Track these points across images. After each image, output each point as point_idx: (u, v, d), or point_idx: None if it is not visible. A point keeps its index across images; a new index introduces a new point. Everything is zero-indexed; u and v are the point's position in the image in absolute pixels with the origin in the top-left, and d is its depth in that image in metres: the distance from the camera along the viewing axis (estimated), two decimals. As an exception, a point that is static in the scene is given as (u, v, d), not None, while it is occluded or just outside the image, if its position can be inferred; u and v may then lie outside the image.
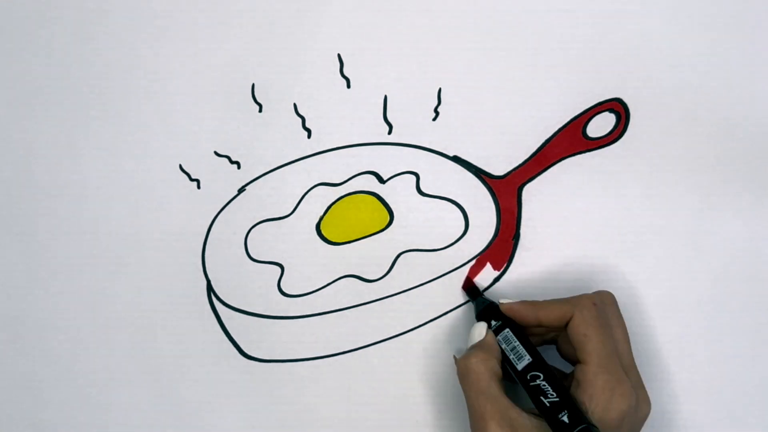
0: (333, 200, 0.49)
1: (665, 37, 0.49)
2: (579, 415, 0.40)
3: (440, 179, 0.49)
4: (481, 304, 0.47)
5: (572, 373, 0.44)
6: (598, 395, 0.41)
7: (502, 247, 0.49)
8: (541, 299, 0.45)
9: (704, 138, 0.49)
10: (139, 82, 0.50)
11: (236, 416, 0.49)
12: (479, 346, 0.44)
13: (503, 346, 0.44)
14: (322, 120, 0.49)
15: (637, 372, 0.44)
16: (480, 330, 0.45)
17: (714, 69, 0.49)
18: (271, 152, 0.49)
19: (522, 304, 0.45)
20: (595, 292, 0.45)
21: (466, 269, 0.49)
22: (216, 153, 0.50)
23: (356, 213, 0.49)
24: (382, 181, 0.49)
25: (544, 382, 0.42)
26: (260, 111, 0.49)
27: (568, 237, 0.49)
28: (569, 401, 0.41)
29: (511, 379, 0.44)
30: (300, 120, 0.49)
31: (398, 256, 0.49)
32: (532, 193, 0.49)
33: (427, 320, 0.49)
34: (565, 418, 0.40)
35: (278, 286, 0.49)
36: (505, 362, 0.44)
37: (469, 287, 0.49)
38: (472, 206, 0.49)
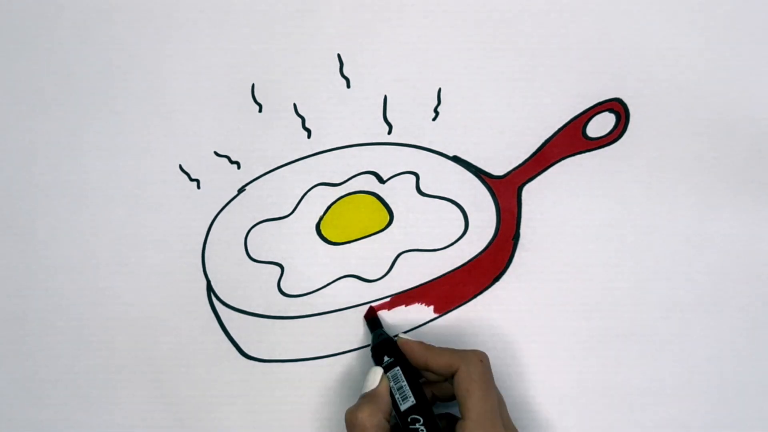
0: (333, 200, 0.49)
1: (665, 37, 0.49)
2: None
3: (440, 179, 0.49)
4: (378, 336, 0.47)
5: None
6: None
7: (502, 247, 0.49)
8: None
9: (704, 138, 0.49)
10: (139, 82, 0.50)
11: (236, 416, 0.49)
12: (370, 397, 0.44)
13: (391, 383, 0.44)
14: (322, 120, 0.49)
15: (516, 430, 0.44)
16: (374, 377, 0.45)
17: (714, 69, 0.49)
18: (271, 152, 0.49)
19: (417, 345, 0.45)
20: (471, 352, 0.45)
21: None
22: (216, 153, 0.50)
23: (356, 213, 0.49)
24: (382, 181, 0.49)
25: (422, 427, 0.42)
26: (260, 111, 0.49)
27: (568, 237, 0.49)
28: None
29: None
30: (300, 120, 0.49)
31: (398, 256, 0.49)
32: (532, 193, 0.49)
33: (426, 320, 0.49)
34: None
35: (278, 286, 0.49)
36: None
37: (371, 318, 0.49)
38: (472, 206, 0.49)
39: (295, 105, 0.49)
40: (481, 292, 0.49)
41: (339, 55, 0.49)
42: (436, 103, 0.49)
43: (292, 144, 0.49)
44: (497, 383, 0.45)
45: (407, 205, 0.49)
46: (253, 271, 0.49)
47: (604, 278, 0.49)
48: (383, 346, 0.46)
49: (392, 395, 0.44)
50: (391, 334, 0.48)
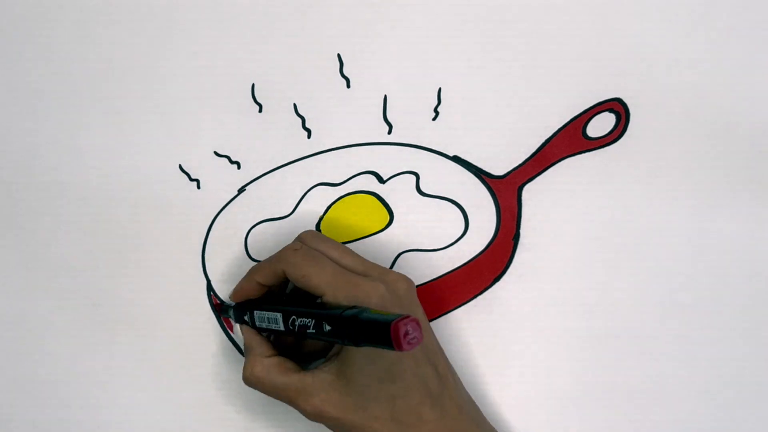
0: (333, 200, 0.49)
1: (665, 37, 0.49)
2: (331, 315, 0.39)
3: (440, 179, 0.49)
4: (228, 310, 0.48)
5: None
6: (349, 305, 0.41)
7: (502, 247, 0.49)
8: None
9: (704, 138, 0.49)
10: (139, 82, 0.49)
11: (236, 416, 0.49)
12: (246, 352, 0.45)
13: (263, 326, 0.44)
14: (322, 120, 0.49)
15: (376, 266, 0.44)
16: (238, 334, 0.46)
17: (714, 69, 0.49)
18: (271, 152, 0.49)
19: (241, 281, 0.46)
20: (293, 241, 0.45)
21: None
22: (216, 153, 0.50)
23: (356, 213, 0.49)
24: (382, 181, 0.49)
25: (301, 319, 0.41)
26: (260, 111, 0.49)
27: (568, 237, 0.49)
28: (323, 313, 0.40)
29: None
30: (300, 120, 0.49)
31: (398, 256, 0.49)
32: (532, 193, 0.49)
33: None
34: (331, 326, 0.39)
35: (278, 286, 0.49)
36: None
37: (217, 305, 0.49)
38: (472, 206, 0.49)
39: (295, 105, 0.49)
40: (481, 292, 0.49)
41: (339, 55, 0.49)
42: (436, 103, 0.49)
43: (292, 144, 0.49)
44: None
45: (407, 205, 0.49)
46: (253, 271, 0.49)
47: (604, 278, 0.49)
48: (235, 312, 0.47)
49: (268, 329, 0.44)
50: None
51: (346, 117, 0.49)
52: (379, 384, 0.41)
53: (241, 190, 0.50)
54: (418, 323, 0.35)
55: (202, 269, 0.49)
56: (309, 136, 0.49)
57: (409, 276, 0.45)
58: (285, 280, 0.44)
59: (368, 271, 0.44)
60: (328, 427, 0.43)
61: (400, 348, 0.34)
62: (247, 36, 0.49)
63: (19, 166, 0.50)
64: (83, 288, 0.50)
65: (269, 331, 0.45)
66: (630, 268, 0.49)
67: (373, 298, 0.41)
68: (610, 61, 0.49)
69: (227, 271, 0.49)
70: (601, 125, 0.49)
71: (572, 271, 0.49)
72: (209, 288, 0.49)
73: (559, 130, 0.49)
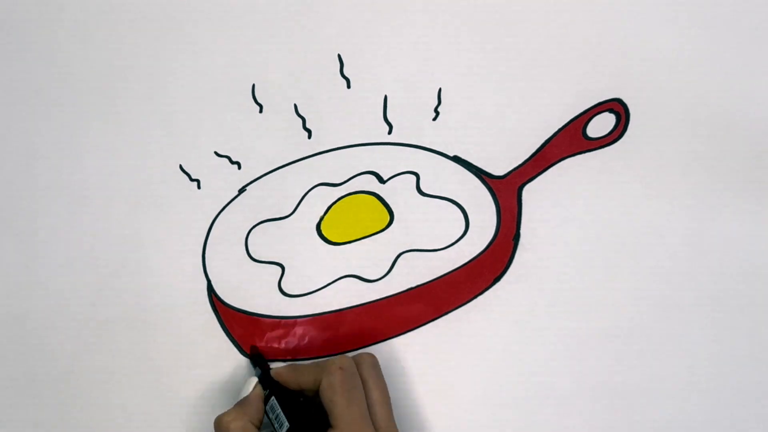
0: (333, 200, 0.49)
1: (665, 37, 0.49)
2: None
3: (440, 179, 0.49)
4: (256, 363, 0.48)
5: None
6: None
7: (502, 247, 0.49)
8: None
9: (704, 138, 0.49)
10: (139, 82, 0.49)
11: (236, 416, 0.49)
12: (241, 403, 0.45)
13: (270, 415, 0.45)
14: (323, 120, 0.49)
15: None
16: (248, 386, 0.46)
17: (714, 69, 0.49)
18: (271, 152, 0.49)
19: (286, 369, 0.46)
20: (354, 355, 0.46)
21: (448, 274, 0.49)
22: (216, 153, 0.50)
23: (356, 213, 0.49)
24: (382, 181, 0.49)
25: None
26: (260, 111, 0.49)
27: (568, 237, 0.49)
28: None
29: None
30: (300, 120, 0.49)
31: (398, 256, 0.49)
32: (532, 193, 0.49)
33: (427, 320, 0.49)
34: None
35: (278, 286, 0.49)
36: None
37: (254, 354, 0.49)
38: (472, 206, 0.49)
39: (295, 105, 0.49)
40: (481, 292, 0.49)
41: (339, 55, 0.49)
42: (436, 103, 0.49)
43: (292, 144, 0.49)
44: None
45: (407, 205, 0.49)
46: (254, 271, 0.49)
47: (604, 278, 0.49)
48: (262, 380, 0.47)
49: (272, 424, 0.45)
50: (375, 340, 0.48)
51: (346, 117, 0.49)
52: None
53: (242, 190, 0.50)
54: None
55: (202, 269, 0.49)
56: (309, 137, 0.49)
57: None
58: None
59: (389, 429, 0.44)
60: None
61: None
62: (247, 36, 0.49)
63: (19, 166, 0.50)
64: (83, 288, 0.50)
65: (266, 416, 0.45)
66: (630, 268, 0.49)
67: None
68: (610, 61, 0.49)
69: (227, 271, 0.49)
70: (601, 125, 0.49)
71: (572, 271, 0.49)
72: (209, 288, 0.49)
73: (559, 130, 0.49)
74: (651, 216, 0.49)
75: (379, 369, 0.46)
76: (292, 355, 0.49)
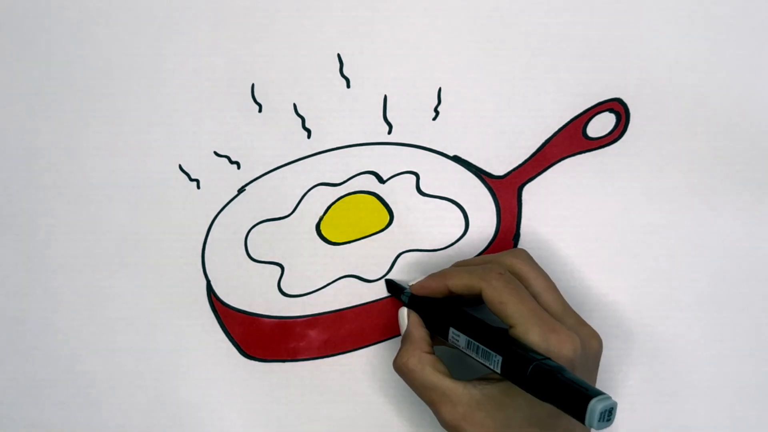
0: (333, 200, 0.49)
1: (665, 37, 0.49)
2: (526, 358, 0.39)
3: (440, 179, 0.49)
4: (402, 293, 0.47)
5: None
6: (536, 350, 0.40)
7: (502, 247, 0.49)
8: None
9: (704, 138, 0.49)
10: (139, 82, 0.49)
11: (236, 416, 0.49)
12: (405, 339, 0.45)
13: (443, 337, 0.44)
14: (322, 120, 0.49)
15: (574, 314, 0.44)
16: (403, 319, 0.46)
17: (714, 69, 0.49)
18: (271, 152, 0.49)
19: (430, 278, 0.46)
20: (504, 254, 0.45)
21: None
22: (216, 153, 0.50)
23: (356, 213, 0.49)
24: (382, 181, 0.49)
25: (489, 351, 0.41)
26: (260, 111, 0.49)
27: (568, 237, 0.49)
28: (512, 352, 0.40)
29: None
30: (300, 120, 0.49)
31: (398, 256, 0.49)
32: (532, 193, 0.49)
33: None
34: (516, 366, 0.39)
35: (278, 286, 0.49)
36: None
37: (388, 283, 0.49)
38: (472, 206, 0.49)
39: (295, 105, 0.49)
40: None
41: (339, 55, 0.49)
42: (436, 103, 0.49)
43: (292, 144, 0.49)
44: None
45: (407, 205, 0.49)
46: (253, 271, 0.49)
47: (604, 278, 0.49)
48: (409, 300, 0.46)
49: (458, 347, 0.43)
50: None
51: (346, 117, 0.49)
52: (530, 426, 0.41)
53: (241, 190, 0.50)
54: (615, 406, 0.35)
55: (202, 269, 0.49)
56: (309, 136, 0.49)
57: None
58: (475, 296, 0.44)
59: (565, 315, 0.43)
60: None
61: (590, 425, 0.34)
62: (247, 36, 0.49)
63: (19, 166, 0.50)
64: (83, 288, 0.50)
65: (443, 341, 0.45)
66: (630, 268, 0.49)
67: (565, 349, 0.40)
68: (610, 61, 0.49)
69: (227, 271, 0.49)
70: (601, 125, 0.49)
71: (572, 270, 0.49)
72: (209, 288, 0.49)
73: (559, 130, 0.49)
74: (651, 216, 0.49)
75: (533, 260, 0.45)
76: (291, 355, 0.49)
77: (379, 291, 0.49)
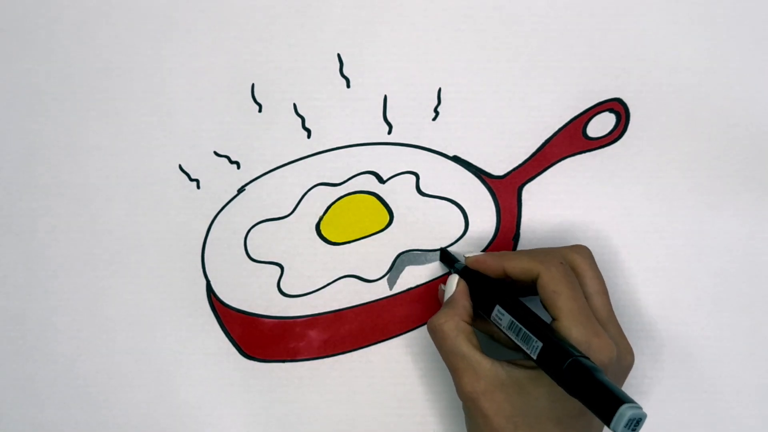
0: (333, 200, 0.49)
1: (665, 37, 0.49)
2: (565, 351, 0.39)
3: (440, 179, 0.49)
4: (454, 264, 0.47)
5: None
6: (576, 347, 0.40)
7: (502, 247, 0.49)
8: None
9: (704, 138, 0.49)
10: (139, 82, 0.50)
11: (236, 416, 0.49)
12: (448, 303, 0.45)
13: (487, 314, 0.44)
14: (322, 120, 0.49)
15: (617, 324, 0.44)
16: (450, 285, 0.46)
17: (714, 69, 0.49)
18: (270, 152, 0.49)
19: (488, 255, 0.45)
20: (566, 248, 0.45)
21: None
22: (216, 153, 0.50)
23: (356, 213, 0.49)
24: (382, 181, 0.49)
25: (530, 334, 0.41)
26: (260, 111, 0.49)
27: (568, 237, 0.49)
28: (553, 342, 0.40)
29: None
30: (300, 120, 0.49)
31: (398, 256, 0.49)
32: (532, 193, 0.49)
33: (426, 321, 0.49)
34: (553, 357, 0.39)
35: (278, 286, 0.49)
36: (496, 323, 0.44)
37: (442, 252, 0.49)
38: (472, 206, 0.49)
39: (295, 105, 0.49)
40: (481, 292, 0.49)
41: (339, 55, 0.49)
42: (436, 103, 0.49)
43: (292, 144, 0.49)
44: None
45: (407, 205, 0.49)
46: (253, 271, 0.49)
47: (604, 278, 0.49)
48: (462, 273, 0.46)
49: (500, 328, 0.43)
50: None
51: (346, 117, 0.49)
52: (547, 420, 0.41)
53: (241, 190, 0.50)
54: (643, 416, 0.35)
55: (201, 269, 0.49)
56: (309, 136, 0.49)
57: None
58: (530, 281, 0.44)
59: (609, 323, 0.43)
60: (468, 412, 0.42)
61: (614, 429, 0.34)
62: (247, 36, 0.49)
63: (19, 166, 0.50)
64: (83, 288, 0.50)
65: (482, 321, 0.45)
66: (630, 268, 0.49)
67: (603, 355, 0.40)
68: (610, 61, 0.49)
69: (227, 271, 0.49)
70: (601, 125, 0.49)
71: (572, 271, 0.49)
72: (209, 288, 0.49)
73: (559, 130, 0.49)
74: (651, 216, 0.49)
75: (594, 260, 0.45)
76: (291, 355, 0.49)
77: (379, 291, 0.49)
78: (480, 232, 0.49)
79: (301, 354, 0.49)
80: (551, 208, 0.49)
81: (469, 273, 0.46)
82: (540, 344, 0.40)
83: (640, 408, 0.35)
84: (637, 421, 0.34)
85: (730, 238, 0.49)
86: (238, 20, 0.49)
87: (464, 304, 0.44)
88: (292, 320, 0.49)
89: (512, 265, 0.44)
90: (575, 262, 0.44)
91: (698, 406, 0.49)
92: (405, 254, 0.49)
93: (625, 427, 0.34)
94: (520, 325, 0.41)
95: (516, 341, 0.41)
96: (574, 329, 0.40)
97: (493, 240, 0.49)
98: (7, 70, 0.50)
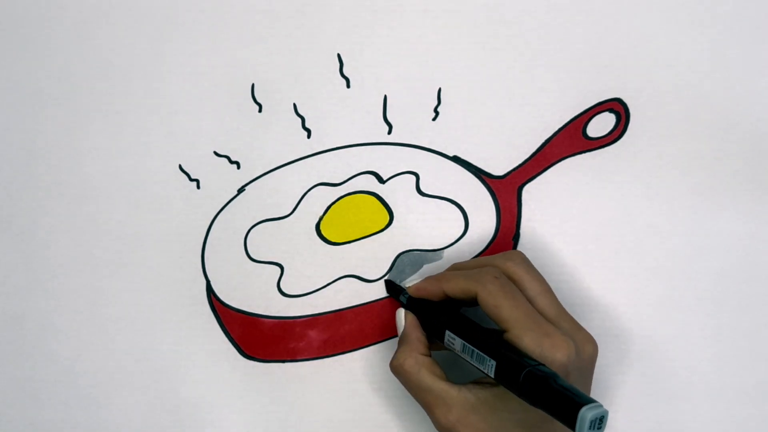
0: (333, 200, 0.49)
1: (665, 37, 0.49)
2: (519, 363, 0.39)
3: (440, 179, 0.49)
4: (400, 294, 0.48)
5: None
6: (530, 355, 0.40)
7: (502, 247, 0.49)
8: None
9: (704, 138, 0.49)
10: (139, 82, 0.50)
11: (236, 416, 0.49)
12: (402, 340, 0.45)
13: (452, 345, 0.44)
14: (322, 120, 0.49)
15: (569, 318, 0.44)
16: (399, 320, 0.46)
17: (714, 69, 0.49)
18: (270, 152, 0.49)
19: (426, 281, 0.46)
20: (498, 257, 0.45)
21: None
22: (216, 153, 0.50)
23: (356, 213, 0.49)
24: (381, 181, 0.49)
25: (483, 355, 0.41)
26: (260, 111, 0.49)
27: (568, 237, 0.49)
28: (505, 357, 0.40)
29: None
30: (300, 120, 0.49)
31: (398, 256, 0.49)
32: (532, 193, 0.49)
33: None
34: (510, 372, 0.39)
35: (278, 286, 0.49)
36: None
37: (387, 283, 0.49)
38: (472, 206, 0.49)
39: (295, 105, 0.49)
40: (481, 292, 0.49)
41: (339, 55, 0.49)
42: (436, 103, 0.49)
43: (291, 144, 0.49)
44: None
45: (407, 205, 0.49)
46: (253, 271, 0.49)
47: (604, 278, 0.49)
48: (407, 302, 0.47)
49: (452, 349, 0.44)
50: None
51: (346, 117, 0.49)
52: (523, 429, 0.41)
53: (241, 190, 0.50)
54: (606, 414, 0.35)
55: (201, 269, 0.49)
56: (309, 136, 0.49)
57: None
58: (471, 299, 0.44)
59: (560, 319, 0.43)
60: None
61: None
62: (247, 36, 0.49)
63: (19, 166, 0.50)
64: (83, 288, 0.50)
65: (439, 343, 0.45)
66: (630, 268, 0.49)
67: (558, 354, 0.40)
68: (610, 61, 0.49)
69: (227, 271, 0.49)
70: (601, 125, 0.49)
71: (572, 271, 0.49)
72: (209, 288, 0.49)
73: (559, 130, 0.49)
74: (651, 216, 0.49)
75: (529, 262, 0.45)
76: (291, 355, 0.49)
77: (379, 291, 0.49)
78: (480, 232, 0.49)
79: (301, 354, 0.49)
80: (551, 208, 0.49)
81: (414, 302, 0.46)
82: (494, 362, 0.40)
83: (599, 406, 0.35)
84: (600, 419, 0.35)
85: (730, 238, 0.49)
86: (238, 20, 0.49)
87: (417, 336, 0.45)
88: (292, 320, 0.49)
89: (450, 287, 0.44)
90: (510, 270, 0.44)
91: (698, 405, 0.49)
92: (405, 254, 0.49)
93: (589, 429, 0.34)
94: (472, 347, 0.42)
95: (471, 363, 0.42)
96: (524, 336, 0.41)
97: (493, 240, 0.49)
98: (7, 70, 0.50)
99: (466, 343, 0.42)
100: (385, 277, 0.49)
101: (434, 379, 0.43)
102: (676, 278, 0.49)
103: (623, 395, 0.49)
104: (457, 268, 0.47)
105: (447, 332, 0.44)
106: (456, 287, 0.44)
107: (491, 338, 0.41)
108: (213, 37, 0.49)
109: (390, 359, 0.45)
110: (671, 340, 0.49)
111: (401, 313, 0.47)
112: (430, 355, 0.45)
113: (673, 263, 0.49)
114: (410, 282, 0.47)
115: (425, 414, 0.47)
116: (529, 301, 0.43)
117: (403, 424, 0.49)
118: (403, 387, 0.45)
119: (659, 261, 0.49)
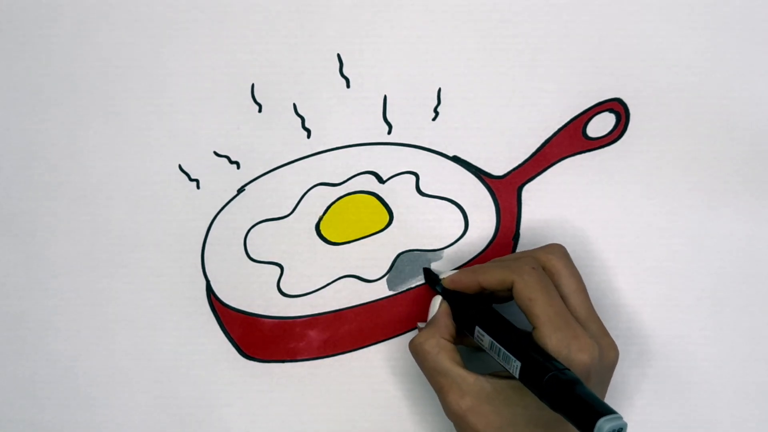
0: (332, 200, 0.49)
1: (665, 37, 0.49)
2: (544, 366, 0.39)
3: (440, 179, 0.49)
4: (436, 284, 0.47)
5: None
6: (555, 355, 0.40)
7: (502, 247, 0.49)
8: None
9: (704, 138, 0.49)
10: (139, 82, 0.50)
11: (236, 416, 0.49)
12: (429, 323, 0.45)
13: (470, 332, 0.44)
14: (322, 120, 0.49)
15: (598, 321, 0.44)
16: (434, 306, 0.46)
17: (714, 69, 0.49)
18: (270, 152, 0.49)
19: (461, 273, 0.45)
20: (539, 249, 0.45)
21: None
22: (216, 153, 0.50)
23: (356, 213, 0.49)
24: (381, 181, 0.49)
25: (509, 355, 0.41)
26: (260, 111, 0.49)
27: (568, 237, 0.49)
28: (531, 359, 0.40)
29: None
30: (300, 120, 0.49)
31: (398, 256, 0.49)
32: (532, 193, 0.49)
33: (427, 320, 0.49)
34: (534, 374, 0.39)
35: (278, 286, 0.49)
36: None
37: (426, 270, 0.49)
38: (472, 206, 0.49)
39: (295, 105, 0.49)
40: (481, 292, 0.49)
41: (339, 55, 0.49)
42: (436, 103, 0.49)
43: (291, 144, 0.49)
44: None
45: (407, 205, 0.49)
46: (253, 271, 0.49)
47: (603, 278, 0.49)
48: (442, 292, 0.46)
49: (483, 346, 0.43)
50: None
51: (346, 117, 0.49)
52: (536, 426, 0.41)
53: (241, 190, 0.50)
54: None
55: (201, 269, 0.49)
56: (309, 136, 0.49)
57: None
58: (506, 291, 0.44)
59: (589, 321, 0.43)
60: (459, 430, 0.43)
61: None
62: (247, 36, 0.49)
63: (19, 166, 0.50)
64: (83, 288, 0.50)
65: (467, 337, 0.45)
66: (630, 268, 0.49)
67: (583, 356, 0.40)
68: (610, 61, 0.49)
69: (226, 271, 0.49)
70: (601, 125, 0.49)
71: (572, 271, 0.49)
72: (208, 288, 0.49)
73: (559, 130, 0.49)
74: (651, 216, 0.49)
75: (569, 257, 0.45)
76: (291, 355, 0.49)
77: (379, 291, 0.49)
78: (480, 232, 0.49)
79: (301, 354, 0.49)
80: (551, 208, 0.49)
81: (448, 293, 0.46)
82: (519, 363, 0.40)
83: (620, 418, 0.35)
84: (618, 431, 0.35)
85: (730, 238, 0.49)
86: (238, 20, 0.49)
87: (446, 323, 0.45)
88: (291, 320, 0.49)
89: (486, 279, 0.44)
90: (549, 263, 0.44)
91: (698, 405, 0.49)
92: (405, 254, 0.49)
93: None
94: (499, 346, 0.42)
95: (498, 361, 0.42)
96: (552, 336, 0.41)
97: (493, 240, 0.49)
98: (7, 70, 0.50)
99: (494, 341, 0.42)
100: (424, 266, 0.49)
101: (452, 363, 0.43)
102: (676, 278, 0.49)
103: (623, 395, 0.49)
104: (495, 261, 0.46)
105: (477, 328, 0.43)
106: (492, 278, 0.44)
107: (519, 338, 0.41)
108: (213, 37, 0.49)
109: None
110: (671, 340, 0.49)
111: (437, 299, 0.46)
112: (453, 343, 0.44)
113: (673, 263, 0.49)
114: (445, 273, 0.47)
115: (425, 414, 0.48)
116: (563, 297, 0.43)
117: (403, 424, 0.49)
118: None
119: (659, 261, 0.49)
